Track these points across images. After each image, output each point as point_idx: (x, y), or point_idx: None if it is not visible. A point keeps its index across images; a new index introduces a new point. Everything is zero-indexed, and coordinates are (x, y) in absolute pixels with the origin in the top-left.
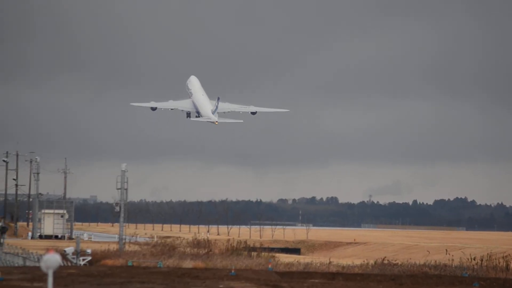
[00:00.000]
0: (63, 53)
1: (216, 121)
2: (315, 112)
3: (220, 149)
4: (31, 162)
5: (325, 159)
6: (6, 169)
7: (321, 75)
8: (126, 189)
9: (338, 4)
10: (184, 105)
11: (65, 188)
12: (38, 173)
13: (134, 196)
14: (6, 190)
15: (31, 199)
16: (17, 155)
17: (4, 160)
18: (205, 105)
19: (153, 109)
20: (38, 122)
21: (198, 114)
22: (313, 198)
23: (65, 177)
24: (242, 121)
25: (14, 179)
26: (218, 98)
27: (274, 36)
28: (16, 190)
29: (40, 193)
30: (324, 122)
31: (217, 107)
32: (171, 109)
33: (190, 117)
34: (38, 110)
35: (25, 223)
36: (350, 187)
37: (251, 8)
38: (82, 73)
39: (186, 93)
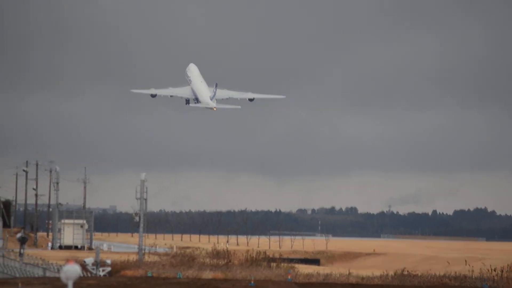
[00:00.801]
0: (87, 64)
1: (215, 107)
2: (336, 122)
3: (240, 158)
4: (50, 171)
5: (346, 169)
6: (26, 179)
7: (343, 85)
8: (146, 199)
9: (361, 14)
10: (183, 92)
11: (84, 198)
12: (57, 183)
13: (154, 206)
14: (26, 200)
15: (50, 209)
16: (37, 165)
17: (24, 170)
18: (204, 91)
19: (153, 95)
20: (58, 131)
21: (197, 101)
22: (333, 208)
23: (85, 187)
24: (240, 107)
25: (34, 189)
26: (216, 85)
27: (295, 45)
28: (36, 200)
29: (59, 203)
30: (345, 131)
31: (215, 93)
32: (171, 95)
33: (189, 103)
34: (58, 119)
35: (45, 233)
36: (370, 197)
37: (273, 19)
38: (103, 83)
39: (185, 81)
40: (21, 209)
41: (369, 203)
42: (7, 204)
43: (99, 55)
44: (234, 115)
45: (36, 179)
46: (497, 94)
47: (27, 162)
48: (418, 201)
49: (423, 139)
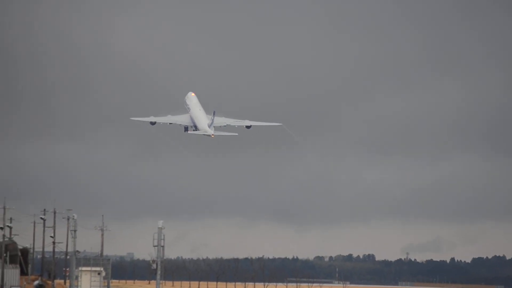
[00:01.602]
0: (104, 110)
1: (212, 134)
2: (354, 168)
3: (258, 205)
4: (68, 219)
5: (364, 216)
6: (44, 227)
7: (362, 131)
8: (163, 246)
9: (380, 58)
10: (182, 119)
11: (102, 246)
12: (75, 230)
13: (172, 253)
14: (43, 247)
15: (68, 257)
16: (55, 213)
17: (41, 218)
18: (202, 119)
19: (152, 123)
20: (76, 178)
21: (195, 128)
22: (350, 255)
23: (102, 234)
24: (236, 134)
25: (51, 237)
26: (214, 112)
27: (315, 89)
28: (54, 247)
29: (77, 251)
30: (363, 178)
31: (213, 120)
32: (170, 123)
33: (187, 130)
34: (75, 167)
35: (62, 281)
36: (388, 244)
37: (292, 67)
38: (120, 129)
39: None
40: (39, 256)
41: (387, 251)
42: (24, 252)
43: (115, 103)
44: (253, 162)
45: (54, 227)
46: None
47: (44, 210)
48: (436, 249)
49: (441, 186)
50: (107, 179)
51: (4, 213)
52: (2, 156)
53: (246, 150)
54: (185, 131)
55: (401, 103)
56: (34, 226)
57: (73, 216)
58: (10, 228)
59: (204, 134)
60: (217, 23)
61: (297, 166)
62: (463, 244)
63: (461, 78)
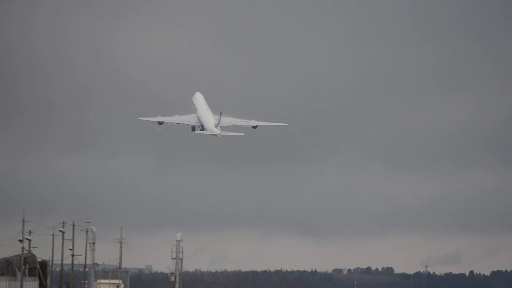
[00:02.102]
0: (121, 123)
1: (219, 134)
2: (374, 181)
3: (277, 217)
4: (87, 232)
5: (383, 228)
6: (63, 239)
7: (381, 144)
8: (181, 259)
9: (402, 73)
10: (189, 119)
11: (120, 258)
12: (94, 243)
13: (190, 265)
14: (62, 260)
15: (87, 269)
16: (73, 225)
17: (60, 230)
18: (209, 119)
19: (160, 123)
20: (95, 190)
21: (202, 128)
22: (369, 268)
23: (121, 247)
24: (243, 134)
25: (70, 249)
26: (221, 113)
27: (335, 102)
28: (72, 260)
29: (96, 263)
30: (383, 190)
31: (219, 120)
32: (177, 123)
33: (195, 130)
34: (94, 180)
35: None
36: (407, 257)
37: (311, 79)
38: (139, 141)
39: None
40: (58, 269)
41: (406, 263)
42: (43, 264)
43: (131, 115)
44: (273, 175)
45: (73, 240)
46: None
47: (63, 222)
48: (455, 262)
49: (460, 199)
50: (126, 192)
51: (23, 226)
52: (21, 169)
53: (265, 163)
54: (192, 130)
55: (421, 116)
56: (53, 238)
57: (92, 228)
58: (29, 240)
59: (211, 134)
60: (229, 28)
61: (316, 179)
62: (482, 257)
63: (478, 91)
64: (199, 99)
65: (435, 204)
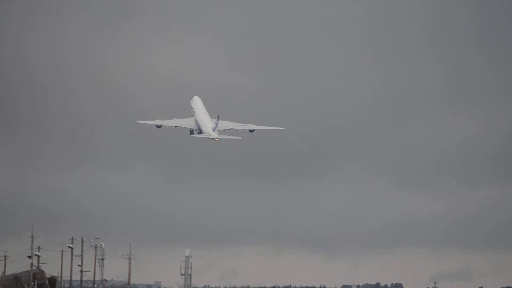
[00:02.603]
0: (133, 138)
1: (217, 138)
2: (384, 197)
3: (286, 233)
4: (96, 248)
5: (394, 244)
6: (71, 255)
7: (391, 160)
8: (190, 275)
9: (413, 90)
10: (187, 122)
11: (129, 274)
12: (103, 259)
13: (200, 281)
14: (71, 276)
15: (96, 285)
16: (82, 241)
17: (69, 246)
18: (207, 122)
19: (158, 126)
20: (103, 206)
21: (200, 131)
22: (378, 284)
23: (130, 263)
24: (240, 138)
25: (79, 265)
26: (218, 116)
27: (344, 117)
28: (81, 276)
29: (105, 279)
30: (392, 206)
31: (217, 124)
32: (175, 126)
33: (193, 133)
34: (103, 196)
35: None
36: (416, 273)
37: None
38: (148, 157)
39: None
40: (67, 285)
41: (415, 279)
42: (52, 280)
43: (140, 129)
44: (282, 190)
45: (81, 256)
46: None
47: (72, 238)
48: (465, 278)
49: (470, 215)
50: (134, 207)
51: (32, 242)
52: (29, 185)
53: (275, 179)
54: (190, 134)
55: (432, 132)
56: (62, 254)
57: (101, 244)
58: (38, 257)
59: (208, 138)
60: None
61: (325, 194)
62: (491, 274)
63: (495, 107)
64: (197, 103)
65: (445, 220)
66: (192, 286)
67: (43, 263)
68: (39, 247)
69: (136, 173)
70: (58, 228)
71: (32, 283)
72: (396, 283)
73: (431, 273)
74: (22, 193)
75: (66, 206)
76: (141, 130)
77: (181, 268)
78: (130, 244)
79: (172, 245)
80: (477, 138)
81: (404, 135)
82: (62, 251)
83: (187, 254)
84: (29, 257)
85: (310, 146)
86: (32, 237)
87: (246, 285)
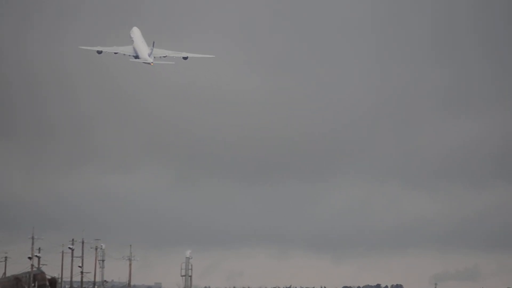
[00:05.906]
0: (136, 140)
1: (152, 62)
2: (389, 198)
3: (291, 234)
4: (96, 249)
5: (398, 244)
6: (72, 257)
7: (397, 160)
8: (191, 276)
9: (419, 91)
10: (126, 49)
11: (130, 275)
12: (103, 260)
13: (202, 283)
14: (71, 277)
15: (96, 286)
16: (83, 242)
17: (69, 248)
18: (143, 49)
19: (99, 52)
20: (104, 207)
21: (137, 58)
22: (378, 285)
23: (130, 264)
24: (173, 62)
25: (79, 266)
26: (153, 43)
27: (351, 117)
28: (82, 277)
29: (105, 280)
30: (401, 207)
31: (152, 50)
32: (115, 52)
33: (138, 58)
34: (103, 197)
35: None
36: (417, 274)
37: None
38: (151, 158)
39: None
40: (67, 286)
41: (416, 281)
42: (53, 282)
43: (144, 133)
44: (288, 192)
45: (82, 257)
46: None
47: (73, 240)
48: (467, 279)
49: (474, 216)
50: (135, 208)
51: (33, 243)
52: (30, 186)
53: (281, 180)
54: (134, 58)
55: (438, 134)
56: (62, 256)
57: (101, 245)
58: (39, 258)
59: (144, 62)
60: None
61: (331, 196)
62: (496, 274)
63: (499, 110)
64: (135, 33)
65: (450, 221)
66: (193, 287)
67: (43, 264)
68: (39, 248)
69: (137, 174)
70: (59, 229)
71: (33, 284)
72: (397, 284)
73: (431, 274)
74: (23, 194)
75: (67, 207)
76: (142, 130)
77: (181, 269)
78: (130, 245)
79: (172, 246)
80: (482, 139)
81: (410, 137)
82: (63, 252)
83: (188, 255)
84: (30, 258)
85: (316, 147)
86: (33, 238)
87: (247, 287)
